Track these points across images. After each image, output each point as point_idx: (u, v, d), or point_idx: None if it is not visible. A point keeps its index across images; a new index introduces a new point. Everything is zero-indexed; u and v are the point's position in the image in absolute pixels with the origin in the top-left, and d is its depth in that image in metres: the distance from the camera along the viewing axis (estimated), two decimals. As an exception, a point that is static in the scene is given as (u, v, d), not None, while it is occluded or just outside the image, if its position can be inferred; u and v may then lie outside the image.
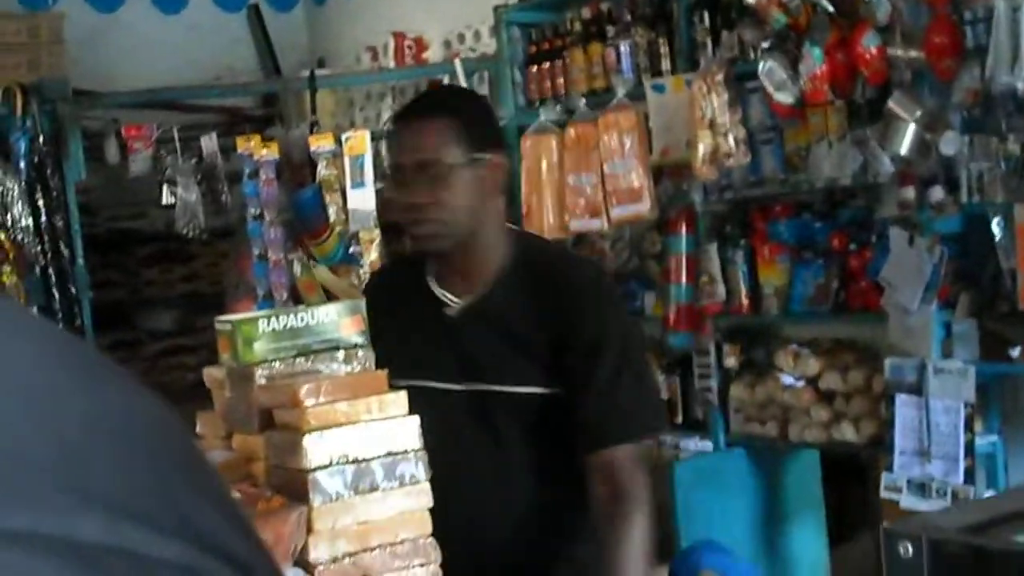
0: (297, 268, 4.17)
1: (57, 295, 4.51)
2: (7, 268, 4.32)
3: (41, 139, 4.48)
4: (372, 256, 4.19)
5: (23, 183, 4.44)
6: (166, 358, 5.90)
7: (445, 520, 1.87)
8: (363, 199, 4.25)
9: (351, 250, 4.24)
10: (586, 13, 4.62)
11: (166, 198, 4.61)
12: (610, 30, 4.51)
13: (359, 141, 4.28)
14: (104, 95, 5.28)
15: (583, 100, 4.49)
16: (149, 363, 5.83)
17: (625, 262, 4.62)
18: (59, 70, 5.37)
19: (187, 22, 6.24)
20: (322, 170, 4.26)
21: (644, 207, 4.32)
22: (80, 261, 4.57)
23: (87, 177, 4.75)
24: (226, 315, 2.22)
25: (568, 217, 4.49)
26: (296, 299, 4.12)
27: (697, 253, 4.30)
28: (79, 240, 4.57)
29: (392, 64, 5.71)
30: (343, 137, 4.31)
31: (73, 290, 4.55)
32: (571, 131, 4.47)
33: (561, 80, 4.70)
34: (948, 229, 3.64)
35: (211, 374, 2.06)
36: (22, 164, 4.46)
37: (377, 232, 4.21)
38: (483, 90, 4.88)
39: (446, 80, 5.00)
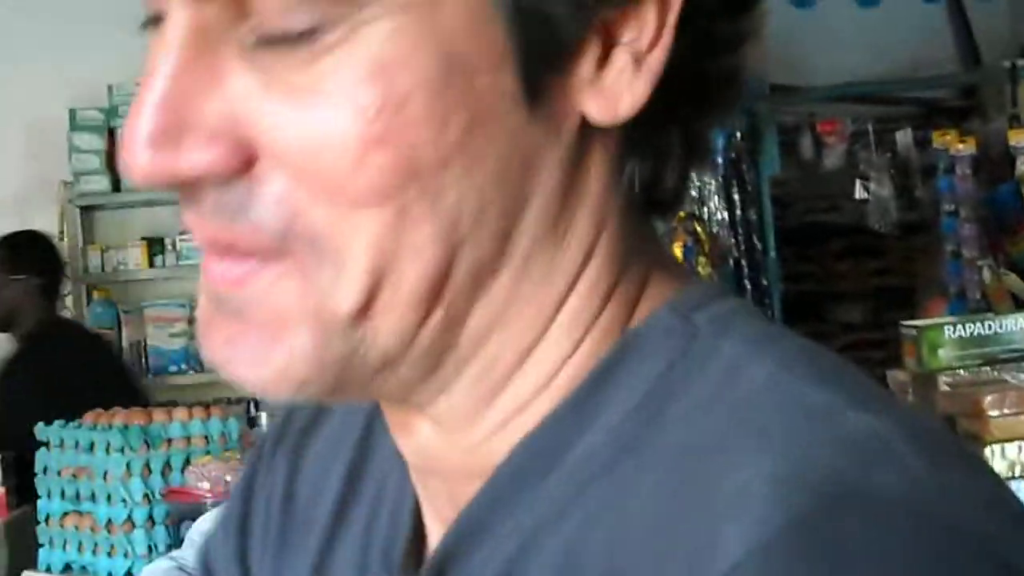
0: (986, 274, 4.04)
1: (748, 286, 4.69)
2: (702, 259, 4.56)
3: (738, 135, 4.67)
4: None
5: (720, 178, 4.66)
6: (853, 351, 5.95)
7: None
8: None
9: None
10: None
11: (859, 192, 4.64)
12: None
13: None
14: (800, 90, 5.40)
15: None
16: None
17: None
18: (758, 65, 5.55)
19: (884, 14, 6.21)
20: (1021, 166, 4.10)
21: None
22: (772, 253, 4.72)
23: (781, 171, 4.89)
24: (918, 315, 2.24)
25: None
26: (987, 303, 4.00)
27: None
28: (771, 233, 4.72)
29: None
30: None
31: (764, 281, 4.71)
32: None
33: None
34: None
35: (895, 377, 2.10)
36: (719, 159, 4.67)
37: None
38: None
39: None
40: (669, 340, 0.58)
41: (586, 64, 0.54)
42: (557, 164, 0.56)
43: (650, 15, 0.54)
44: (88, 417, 2.94)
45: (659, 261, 0.62)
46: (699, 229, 4.51)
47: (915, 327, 1.98)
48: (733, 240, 4.67)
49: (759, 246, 4.73)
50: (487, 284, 0.56)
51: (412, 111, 0.51)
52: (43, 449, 2.93)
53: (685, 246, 4.18)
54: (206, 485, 2.62)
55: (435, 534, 0.64)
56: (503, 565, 0.59)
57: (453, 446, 0.61)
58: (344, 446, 0.72)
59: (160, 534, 2.71)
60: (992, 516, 0.49)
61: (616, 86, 0.55)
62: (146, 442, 2.77)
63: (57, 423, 2.93)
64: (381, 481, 0.69)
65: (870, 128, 4.70)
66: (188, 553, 1.60)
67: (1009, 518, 0.50)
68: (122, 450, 2.77)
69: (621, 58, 0.55)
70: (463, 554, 0.61)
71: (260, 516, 0.75)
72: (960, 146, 4.22)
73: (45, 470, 2.92)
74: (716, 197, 4.65)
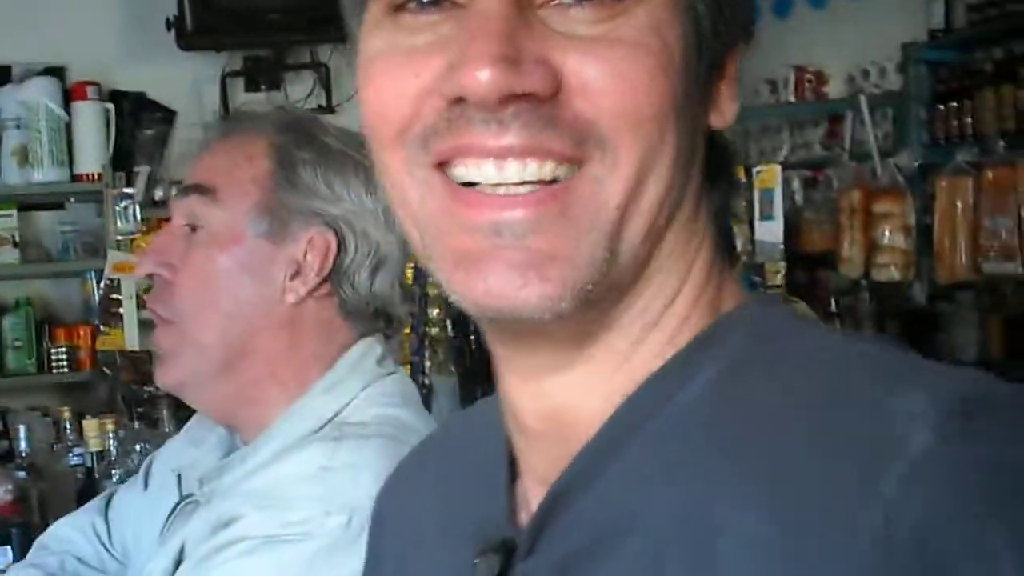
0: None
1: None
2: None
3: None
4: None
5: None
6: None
7: None
8: (771, 232, 4.42)
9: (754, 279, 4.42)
10: (998, 53, 4.58)
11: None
12: (1022, 72, 4.45)
13: (770, 174, 4.46)
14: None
15: (1001, 142, 4.45)
16: None
17: (1025, 305, 4.52)
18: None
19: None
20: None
21: (1061, 252, 4.24)
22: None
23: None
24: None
25: (981, 259, 4.46)
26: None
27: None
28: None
29: (792, 98, 5.81)
30: (754, 170, 4.51)
31: None
32: (988, 173, 4.44)
33: (969, 120, 4.68)
34: None
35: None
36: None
37: (783, 264, 4.36)
38: (886, 127, 4.92)
39: (848, 116, 5.09)
40: (759, 322, 0.74)
41: (719, 81, 0.75)
42: (702, 144, 0.75)
43: (738, 54, 0.75)
44: None
45: (729, 264, 0.79)
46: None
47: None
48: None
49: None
50: (671, 223, 0.73)
51: (673, 62, 0.69)
52: None
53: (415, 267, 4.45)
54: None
55: (536, 498, 0.76)
56: (612, 507, 0.70)
57: (588, 396, 0.73)
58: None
59: None
60: None
61: (725, 103, 0.76)
62: None
63: None
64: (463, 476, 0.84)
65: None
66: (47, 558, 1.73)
67: None
68: None
69: (729, 83, 0.75)
70: (573, 496, 0.72)
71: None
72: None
73: None
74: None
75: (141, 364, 4.87)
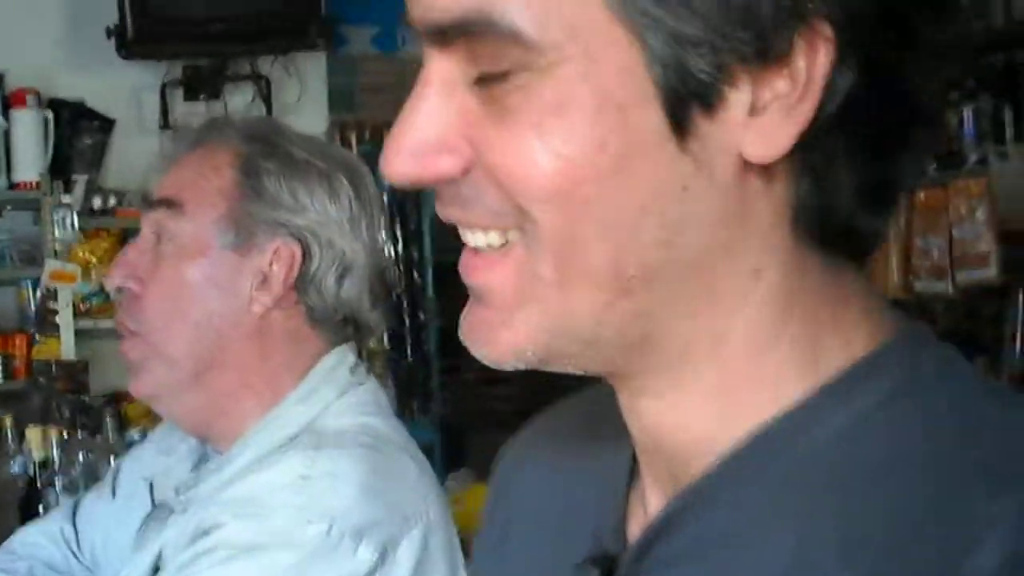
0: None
1: (407, 321, 4.96)
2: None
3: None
4: None
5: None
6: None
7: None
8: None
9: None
10: (931, 80, 4.69)
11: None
12: (954, 95, 4.55)
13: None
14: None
15: (933, 164, 4.56)
16: None
17: (958, 325, 4.63)
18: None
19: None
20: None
21: (991, 272, 4.35)
22: (430, 291, 5.03)
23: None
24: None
25: (912, 278, 4.57)
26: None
27: (1039, 321, 4.28)
28: (430, 270, 5.02)
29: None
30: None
31: (421, 316, 4.95)
32: (920, 194, 4.55)
33: (903, 145, 4.78)
34: None
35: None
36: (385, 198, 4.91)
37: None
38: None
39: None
40: (896, 370, 0.68)
41: (736, 109, 0.62)
42: (714, 192, 0.64)
43: (800, 68, 0.62)
44: None
45: (856, 296, 0.70)
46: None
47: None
48: (397, 276, 4.97)
49: (419, 282, 5.07)
50: (664, 284, 0.66)
51: (577, 136, 0.63)
52: None
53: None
54: None
55: (655, 506, 0.74)
56: (722, 536, 0.69)
57: (678, 427, 0.71)
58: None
59: None
60: None
61: (768, 129, 0.63)
62: None
63: None
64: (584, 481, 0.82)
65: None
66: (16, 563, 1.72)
67: None
68: None
69: (772, 106, 0.62)
70: (687, 517, 0.70)
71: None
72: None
73: None
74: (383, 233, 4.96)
75: (77, 373, 4.85)
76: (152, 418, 4.91)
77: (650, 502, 0.75)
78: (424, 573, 1.41)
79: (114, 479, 1.73)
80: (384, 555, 1.36)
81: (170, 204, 1.51)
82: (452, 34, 0.64)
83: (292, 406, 1.48)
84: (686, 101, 0.62)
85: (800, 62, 0.62)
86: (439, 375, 5.31)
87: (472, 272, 0.70)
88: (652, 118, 0.63)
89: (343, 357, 1.54)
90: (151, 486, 1.58)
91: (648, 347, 0.69)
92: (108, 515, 1.69)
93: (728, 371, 0.69)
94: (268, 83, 5.33)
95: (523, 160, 0.64)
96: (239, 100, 5.38)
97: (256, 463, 1.43)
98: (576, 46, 0.62)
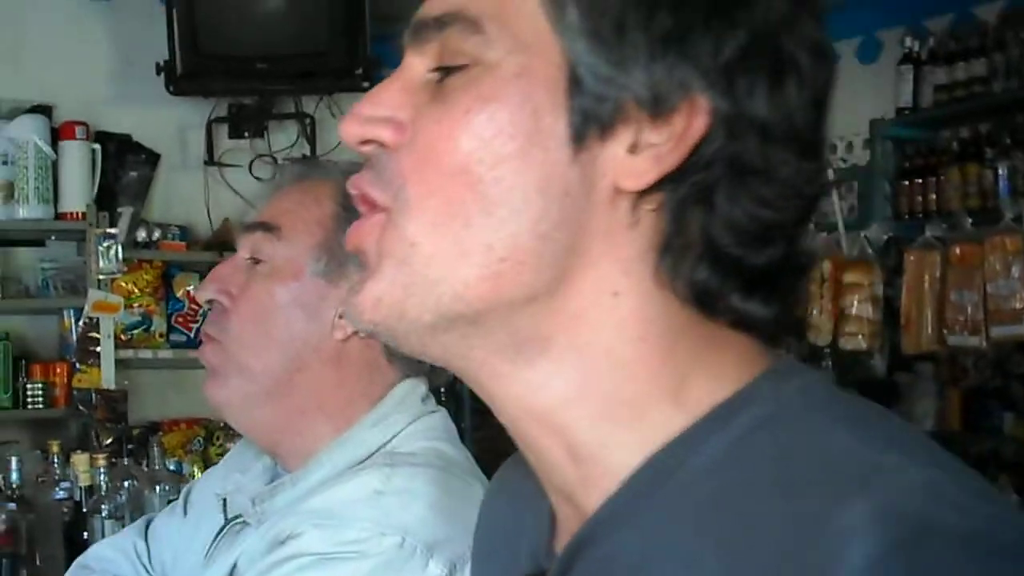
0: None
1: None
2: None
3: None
4: None
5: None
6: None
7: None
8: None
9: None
10: (964, 133, 4.74)
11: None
12: (988, 151, 4.61)
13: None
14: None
15: (969, 219, 4.60)
16: None
17: (987, 380, 4.65)
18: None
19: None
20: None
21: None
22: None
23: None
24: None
25: (947, 332, 4.59)
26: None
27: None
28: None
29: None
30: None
31: None
32: (956, 249, 4.59)
33: (933, 196, 4.83)
34: None
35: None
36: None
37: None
38: (851, 200, 5.07)
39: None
40: (762, 403, 0.75)
41: (621, 143, 0.74)
42: (590, 206, 0.75)
43: (677, 127, 0.74)
44: None
45: (730, 341, 0.78)
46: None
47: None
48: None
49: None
50: (530, 275, 0.75)
51: (496, 124, 0.74)
52: None
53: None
54: None
55: (573, 526, 0.81)
56: (630, 555, 0.76)
57: (577, 458, 0.80)
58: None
59: None
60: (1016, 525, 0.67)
61: (639, 167, 0.74)
62: None
63: None
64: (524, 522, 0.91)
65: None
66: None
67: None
68: None
69: (647, 151, 0.74)
70: (594, 542, 0.78)
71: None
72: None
73: None
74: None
75: (116, 402, 4.91)
76: (186, 451, 4.98)
77: (563, 541, 0.83)
78: (486, 593, 1.45)
79: (186, 498, 1.78)
80: (452, 572, 1.40)
81: (268, 228, 1.57)
82: (435, 27, 0.77)
83: (366, 429, 1.53)
84: (589, 121, 0.74)
85: (679, 123, 0.73)
86: (471, 417, 5.36)
87: (350, 236, 0.80)
88: (559, 125, 0.74)
89: (415, 387, 1.59)
90: (224, 502, 1.63)
91: (505, 335, 0.77)
92: (179, 533, 1.74)
93: (593, 388, 0.77)
94: (313, 122, 5.41)
95: (446, 135, 0.75)
96: (283, 139, 5.47)
97: (330, 479, 1.47)
98: (521, 52, 0.75)
